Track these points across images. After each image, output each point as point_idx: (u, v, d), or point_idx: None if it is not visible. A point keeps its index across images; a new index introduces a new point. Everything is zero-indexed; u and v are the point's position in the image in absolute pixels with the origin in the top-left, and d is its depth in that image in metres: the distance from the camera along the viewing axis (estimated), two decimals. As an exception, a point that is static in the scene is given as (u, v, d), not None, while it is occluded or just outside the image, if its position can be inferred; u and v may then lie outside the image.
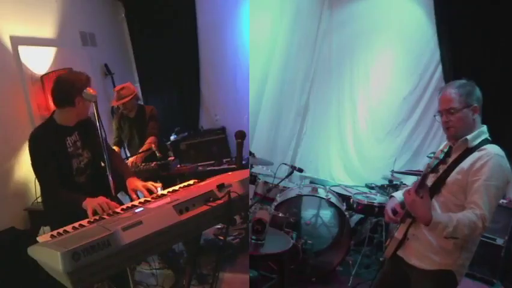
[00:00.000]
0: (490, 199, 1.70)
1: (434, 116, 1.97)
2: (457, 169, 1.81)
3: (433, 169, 1.72)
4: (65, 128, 2.31)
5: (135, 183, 2.29)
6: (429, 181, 1.88)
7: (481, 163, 1.74)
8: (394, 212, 2.02)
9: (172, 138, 3.76)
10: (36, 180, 3.23)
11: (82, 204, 2.09)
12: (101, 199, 2.07)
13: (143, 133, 3.74)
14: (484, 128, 1.88)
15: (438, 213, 1.76)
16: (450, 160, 1.87)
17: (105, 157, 2.18)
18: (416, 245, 1.92)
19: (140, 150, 3.62)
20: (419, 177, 1.81)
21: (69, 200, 2.21)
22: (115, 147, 3.73)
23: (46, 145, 2.22)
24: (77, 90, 2.18)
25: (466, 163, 1.79)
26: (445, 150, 1.73)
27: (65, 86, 2.21)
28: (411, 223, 1.94)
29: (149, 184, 2.27)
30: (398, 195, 2.13)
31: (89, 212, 2.03)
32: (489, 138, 1.86)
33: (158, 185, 2.29)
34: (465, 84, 1.86)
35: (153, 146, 3.52)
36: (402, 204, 2.04)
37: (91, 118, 2.48)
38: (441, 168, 1.83)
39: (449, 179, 1.82)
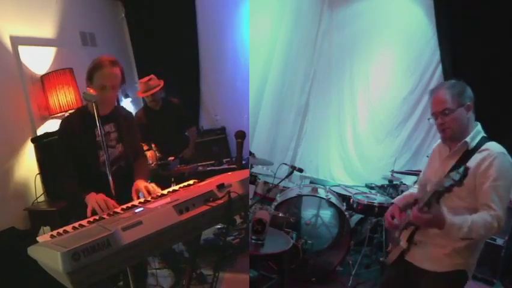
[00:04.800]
0: (500, 199, 1.70)
1: (428, 119, 1.95)
2: None
3: (448, 188, 1.58)
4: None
5: (139, 184, 2.24)
6: (429, 186, 1.86)
7: (486, 165, 1.74)
8: (393, 217, 2.01)
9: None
10: (37, 180, 3.30)
11: (85, 198, 2.07)
12: (101, 196, 2.05)
13: (173, 126, 3.73)
14: (479, 126, 1.88)
15: (451, 216, 1.71)
16: (452, 163, 1.86)
17: (105, 156, 2.16)
18: (426, 249, 1.90)
19: (191, 143, 3.86)
20: (429, 197, 1.68)
21: (72, 191, 2.19)
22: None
23: (70, 132, 2.23)
24: (95, 67, 2.17)
25: (469, 165, 1.78)
26: (461, 171, 1.55)
27: (91, 63, 2.21)
28: (415, 229, 1.93)
29: (151, 185, 2.22)
30: (399, 201, 2.12)
31: (88, 209, 2.01)
32: (485, 135, 1.86)
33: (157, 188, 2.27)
34: (455, 84, 1.86)
35: (153, 145, 3.52)
36: (401, 209, 2.03)
37: (131, 113, 2.57)
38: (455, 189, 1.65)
39: None
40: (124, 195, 2.18)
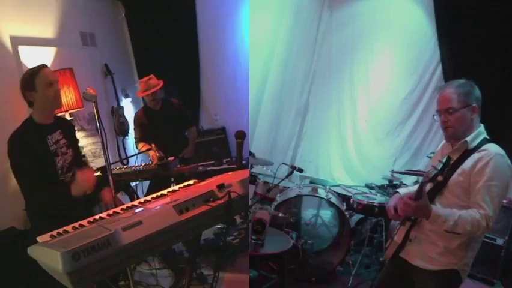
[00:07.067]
0: (492, 199, 1.71)
1: (433, 115, 1.97)
2: (458, 171, 1.81)
3: (431, 179, 1.71)
4: (44, 126, 2.24)
5: (106, 196, 2.31)
6: (428, 186, 1.88)
7: (482, 164, 1.75)
8: (396, 209, 2.01)
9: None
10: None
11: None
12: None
13: (172, 126, 3.73)
14: (482, 127, 1.88)
15: (439, 207, 1.78)
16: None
17: (105, 157, 2.17)
18: (420, 246, 1.92)
19: (191, 143, 3.87)
20: (418, 187, 1.80)
21: (64, 196, 2.15)
22: (141, 144, 3.60)
23: (26, 146, 2.14)
24: (33, 74, 2.18)
25: (466, 164, 1.80)
26: (444, 160, 1.69)
27: (24, 75, 2.23)
28: (412, 225, 1.95)
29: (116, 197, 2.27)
30: (403, 191, 2.12)
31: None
32: (487, 137, 1.87)
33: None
34: (464, 84, 1.86)
35: (153, 145, 3.52)
36: None
37: (67, 119, 2.59)
38: (440, 178, 1.78)
39: (451, 181, 1.83)
40: (83, 201, 2.19)
